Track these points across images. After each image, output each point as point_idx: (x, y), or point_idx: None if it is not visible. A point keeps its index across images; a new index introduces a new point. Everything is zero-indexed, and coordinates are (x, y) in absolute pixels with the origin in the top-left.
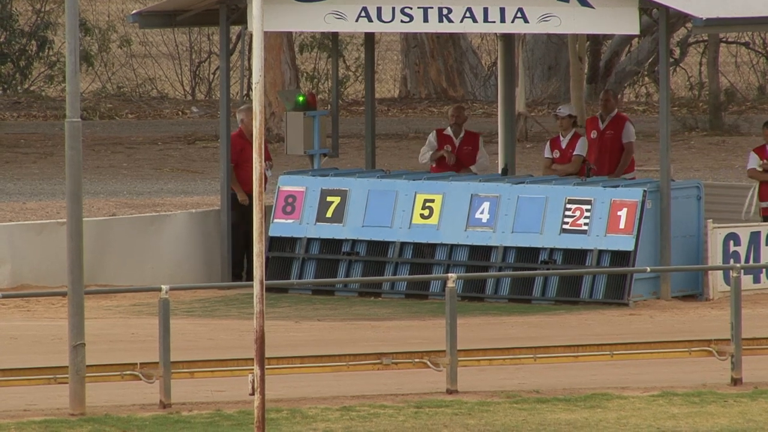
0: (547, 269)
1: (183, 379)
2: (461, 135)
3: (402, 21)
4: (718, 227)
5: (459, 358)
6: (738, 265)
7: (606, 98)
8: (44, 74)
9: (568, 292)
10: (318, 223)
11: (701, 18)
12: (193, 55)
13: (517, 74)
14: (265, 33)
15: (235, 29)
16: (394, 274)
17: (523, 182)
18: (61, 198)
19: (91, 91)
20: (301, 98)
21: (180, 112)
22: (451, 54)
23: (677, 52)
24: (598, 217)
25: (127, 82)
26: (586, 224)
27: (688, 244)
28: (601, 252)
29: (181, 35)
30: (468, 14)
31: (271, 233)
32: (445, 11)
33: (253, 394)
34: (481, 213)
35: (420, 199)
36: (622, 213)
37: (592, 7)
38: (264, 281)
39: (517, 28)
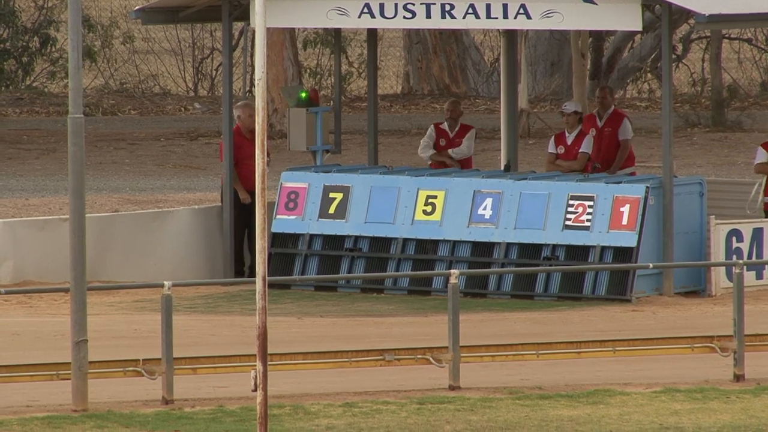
0: (550, 265)
1: (185, 375)
2: (456, 129)
3: (404, 17)
4: (721, 223)
5: (461, 354)
6: (741, 261)
7: (602, 95)
8: (47, 70)
9: (571, 289)
10: (320, 220)
11: (704, 14)
12: (196, 51)
13: (520, 70)
14: (268, 29)
15: (238, 25)
16: (397, 270)
17: (525, 178)
18: (63, 194)
19: (93, 87)
20: (303, 94)
21: (182, 109)
22: (453, 50)
23: (680, 48)
24: (600, 213)
25: (129, 78)
26: (588, 220)
27: (691, 240)
28: (603, 248)
29: (184, 31)
30: (470, 10)
31: (274, 229)
32: (447, 7)
33: (255, 390)
34: (484, 209)
35: (422, 195)
36: (625, 209)
37: (595, 3)
38: (266, 277)
39: (520, 24)
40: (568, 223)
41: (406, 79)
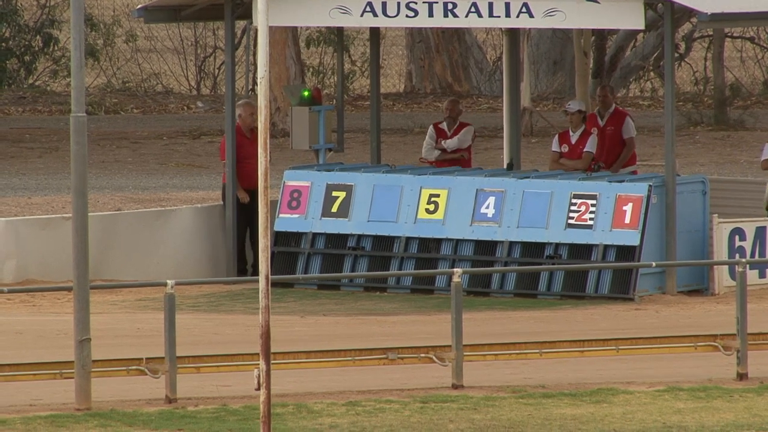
0: (553, 264)
1: (189, 374)
2: (455, 127)
3: (407, 16)
4: (724, 222)
5: (464, 353)
6: (743, 260)
7: (603, 94)
8: (49, 69)
9: (574, 287)
10: (323, 218)
11: (706, 13)
12: (198, 49)
13: (522, 69)
14: (270, 28)
15: (240, 24)
16: (400, 268)
17: (528, 177)
18: (66, 193)
19: (96, 86)
20: (306, 93)
21: (185, 107)
22: (456, 49)
23: (682, 46)
24: (603, 212)
25: (132, 76)
26: (591, 219)
27: (694, 238)
28: (606, 247)
29: (186, 30)
30: (473, 9)
31: (277, 228)
32: (450, 6)
33: (258, 389)
34: (487, 208)
35: (425, 194)
36: (628, 208)
37: (597, 2)
38: (269, 276)
39: (522, 22)
40: (571, 221)
41: (408, 78)
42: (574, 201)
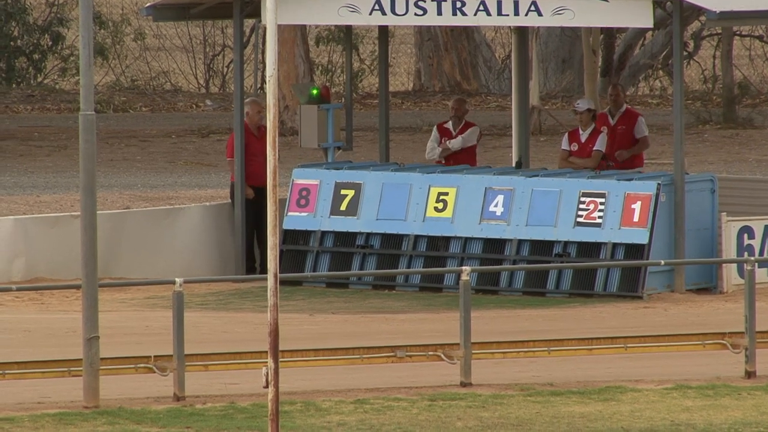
0: (561, 262)
1: (197, 371)
2: (460, 127)
3: (416, 14)
4: (732, 220)
5: (473, 351)
6: (752, 258)
7: (615, 93)
8: (58, 67)
9: (582, 285)
10: (332, 216)
11: (715, 11)
12: (207, 48)
13: (531, 67)
14: (279, 26)
15: (249, 22)
16: (408, 267)
17: (537, 175)
18: (75, 191)
19: (105, 84)
20: (315, 91)
21: (194, 105)
22: (464, 47)
23: (691, 45)
24: (612, 210)
25: (140, 75)
26: (600, 217)
27: (702, 237)
28: (615, 245)
29: (195, 28)
30: (482, 7)
31: (285, 226)
32: (458, 4)
33: (267, 386)
34: (495, 206)
35: (434, 192)
36: (636, 206)
37: (606, 0)
38: (278, 274)
39: (531, 21)
40: (579, 220)
41: (417, 76)
42: (582, 199)
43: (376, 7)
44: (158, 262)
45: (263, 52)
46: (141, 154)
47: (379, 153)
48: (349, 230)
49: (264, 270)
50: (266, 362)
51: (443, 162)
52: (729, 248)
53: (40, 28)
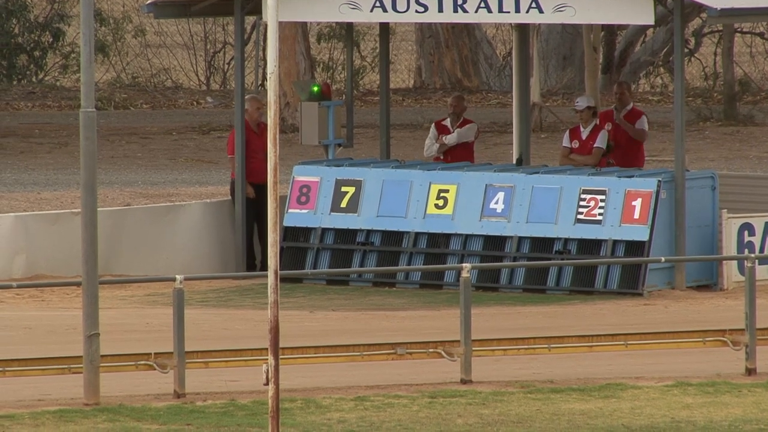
0: (562, 259)
1: (197, 368)
2: (458, 124)
3: (416, 11)
4: (733, 217)
5: (473, 348)
6: (753, 255)
7: (621, 91)
8: (59, 64)
9: (583, 282)
10: (332, 213)
11: (716, 8)
12: (208, 45)
13: (532, 64)
14: (280, 23)
15: (250, 19)
16: (409, 264)
17: (537, 172)
18: (75, 188)
19: (105, 81)
20: (315, 88)
21: (195, 102)
22: (465, 44)
23: (692, 42)
24: (612, 207)
25: (141, 72)
26: (600, 214)
27: (703, 234)
28: (615, 242)
29: (196, 25)
30: (483, 4)
31: (286, 223)
32: (459, 1)
33: (267, 384)
34: (496, 203)
35: (434, 189)
36: (637, 203)
37: None
38: (278, 271)
39: (532, 18)
40: (580, 216)
41: (418, 73)
42: (583, 196)
43: (377, 4)
44: (159, 259)
45: (264, 49)
46: (142, 151)
47: (379, 150)
48: (350, 227)
49: (264, 267)
50: (267, 359)
51: (441, 158)
52: (729, 245)
53: (40, 25)
